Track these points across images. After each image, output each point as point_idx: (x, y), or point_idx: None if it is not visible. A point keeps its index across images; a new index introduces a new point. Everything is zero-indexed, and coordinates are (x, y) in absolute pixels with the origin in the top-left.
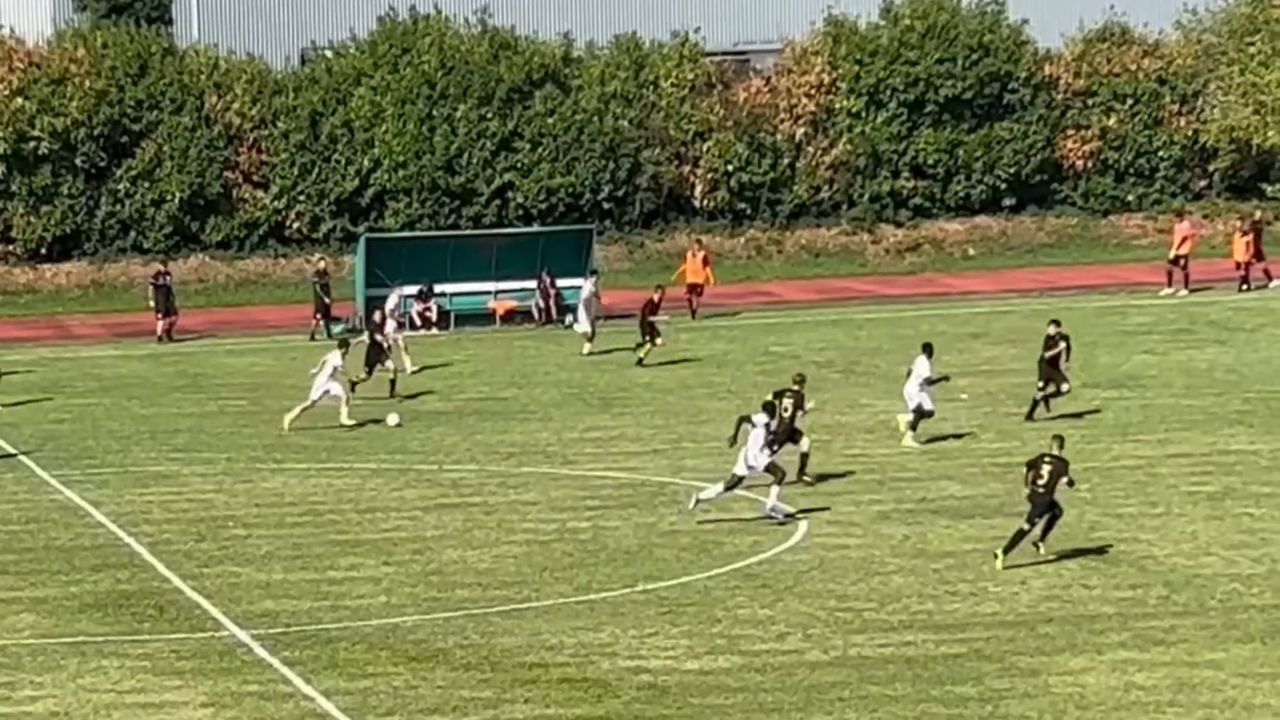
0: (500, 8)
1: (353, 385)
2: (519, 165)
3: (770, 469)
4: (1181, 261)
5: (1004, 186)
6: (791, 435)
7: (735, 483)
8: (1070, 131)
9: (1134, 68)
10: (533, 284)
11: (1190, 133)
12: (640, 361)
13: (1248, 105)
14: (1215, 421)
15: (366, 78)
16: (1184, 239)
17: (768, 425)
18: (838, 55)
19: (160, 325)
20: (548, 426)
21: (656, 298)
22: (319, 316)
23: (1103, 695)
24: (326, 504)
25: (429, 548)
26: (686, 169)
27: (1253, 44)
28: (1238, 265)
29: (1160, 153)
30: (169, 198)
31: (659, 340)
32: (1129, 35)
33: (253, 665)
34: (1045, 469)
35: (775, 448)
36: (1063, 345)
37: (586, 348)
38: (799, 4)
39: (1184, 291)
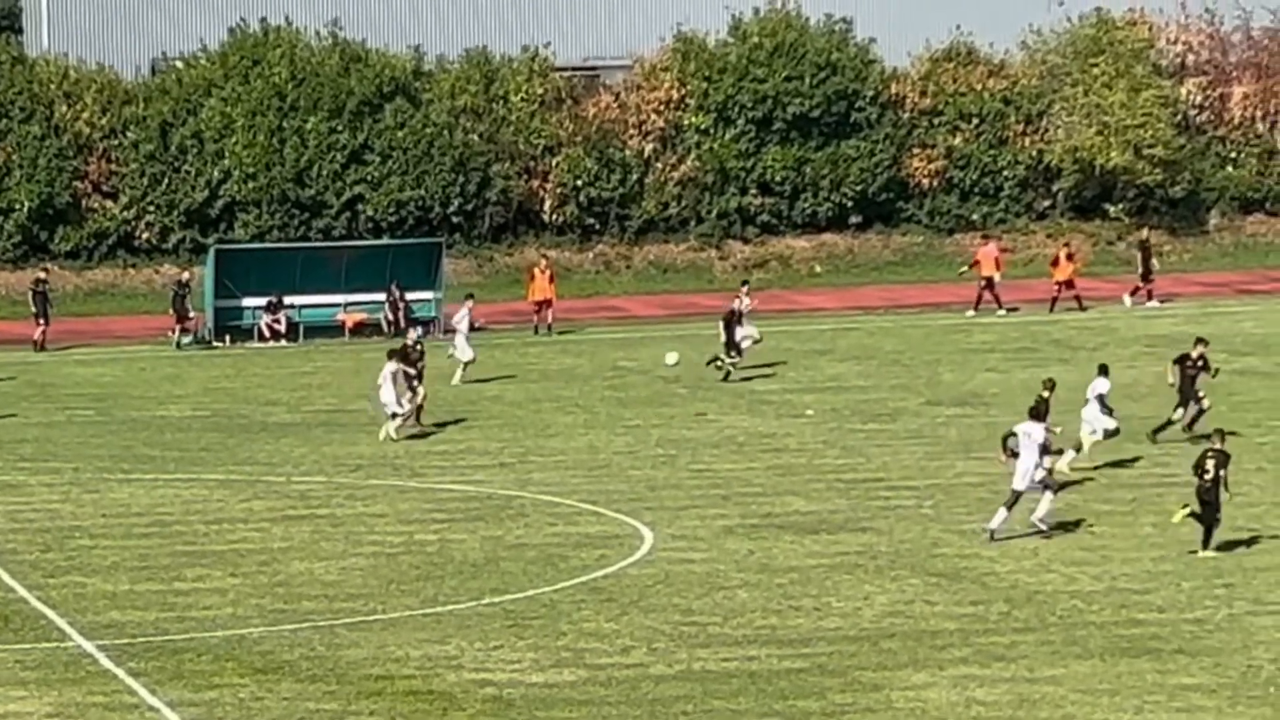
0: (351, 20)
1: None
2: (369, 178)
3: (1046, 482)
4: (989, 283)
5: (850, 204)
6: None
7: (1014, 500)
8: (916, 150)
9: (979, 87)
10: (382, 296)
11: (1035, 153)
12: (727, 376)
13: (1091, 126)
14: (1059, 438)
15: (217, 89)
16: (993, 261)
17: (1047, 431)
18: (687, 72)
19: (39, 333)
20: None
21: (739, 307)
22: (178, 326)
23: (944, 710)
24: (174, 515)
25: (276, 559)
26: (536, 183)
27: (1096, 65)
28: (1059, 286)
29: (1005, 172)
30: (17, 207)
31: (734, 356)
32: (975, 55)
33: (98, 676)
34: (1210, 463)
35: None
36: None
37: (459, 376)
38: (648, 20)
39: (971, 311)
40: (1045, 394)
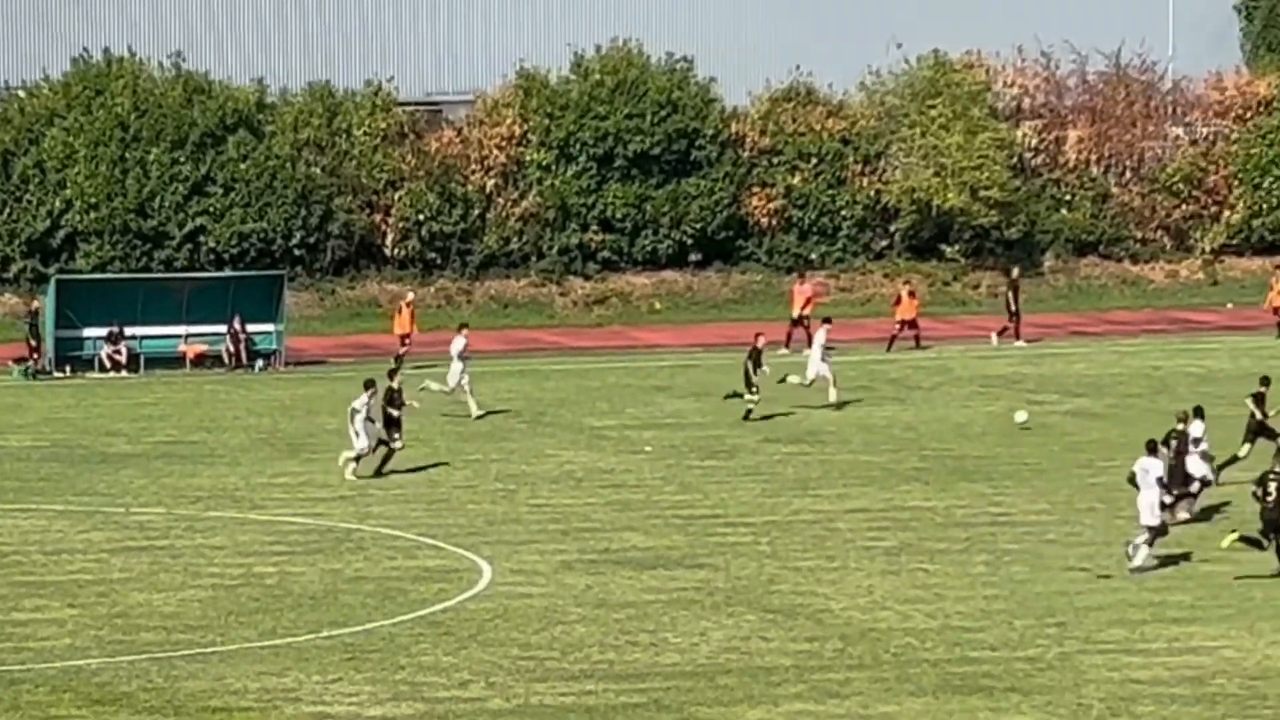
0: (194, 52)
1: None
2: (211, 210)
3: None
4: (804, 322)
5: (690, 242)
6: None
7: (1160, 532)
8: (756, 189)
9: (819, 128)
10: (223, 329)
11: (873, 193)
12: (748, 415)
13: (929, 167)
14: (892, 478)
15: (59, 118)
16: (806, 300)
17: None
18: (529, 108)
19: None
20: (236, 471)
21: (760, 344)
22: (34, 356)
23: None
24: (12, 545)
25: (114, 590)
26: (378, 217)
27: (934, 107)
28: (902, 325)
29: (843, 212)
30: None
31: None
32: (814, 95)
33: None
34: (1273, 485)
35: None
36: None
37: (473, 408)
38: (491, 56)
39: (792, 349)
40: (1179, 426)
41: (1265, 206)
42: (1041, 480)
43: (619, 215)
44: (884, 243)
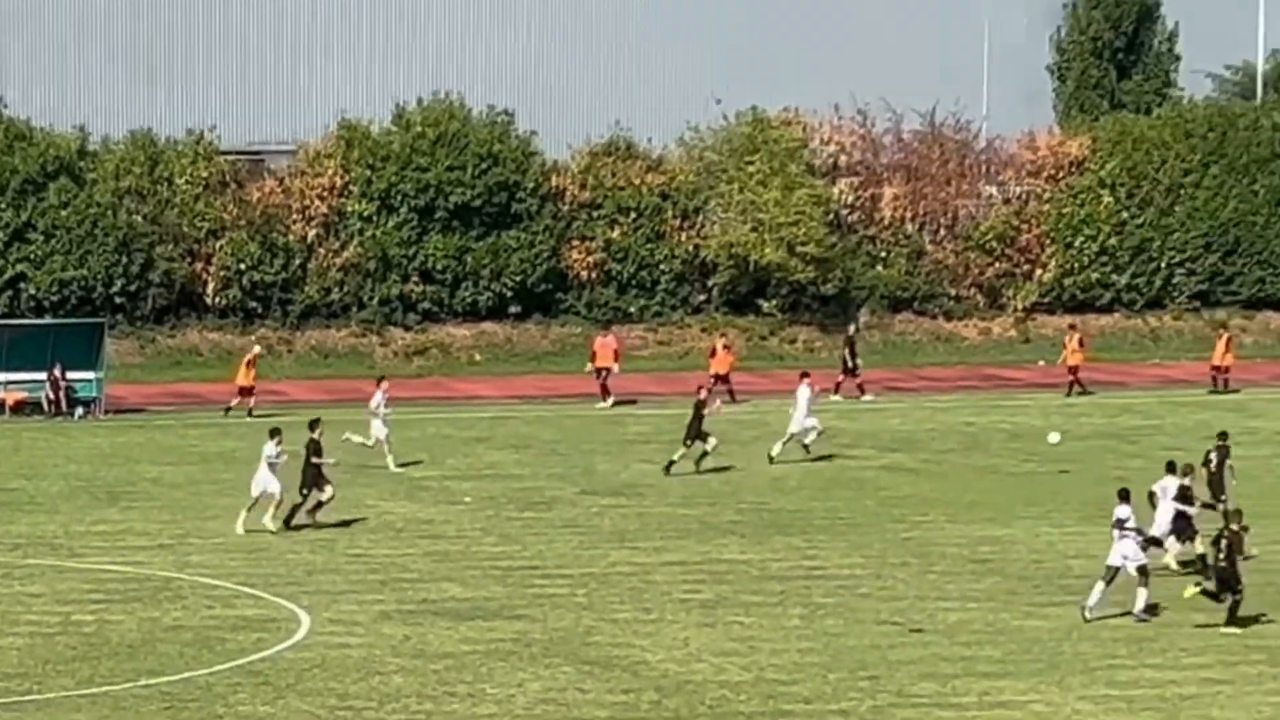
0: (15, 98)
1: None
2: (32, 257)
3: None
4: (604, 374)
5: (510, 294)
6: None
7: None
8: (576, 242)
9: (638, 182)
10: (43, 376)
11: (691, 247)
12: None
13: (746, 222)
14: (709, 530)
15: None
16: (609, 352)
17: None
18: (350, 159)
19: None
20: (55, 519)
21: (703, 395)
22: None
23: None
24: None
25: None
26: (199, 266)
27: (752, 163)
28: (715, 379)
29: (662, 266)
30: None
31: (711, 442)
32: (634, 150)
33: None
34: (1223, 543)
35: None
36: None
37: (390, 460)
38: (313, 107)
39: (606, 402)
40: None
41: (1076, 265)
42: (855, 534)
43: (439, 267)
44: (702, 297)
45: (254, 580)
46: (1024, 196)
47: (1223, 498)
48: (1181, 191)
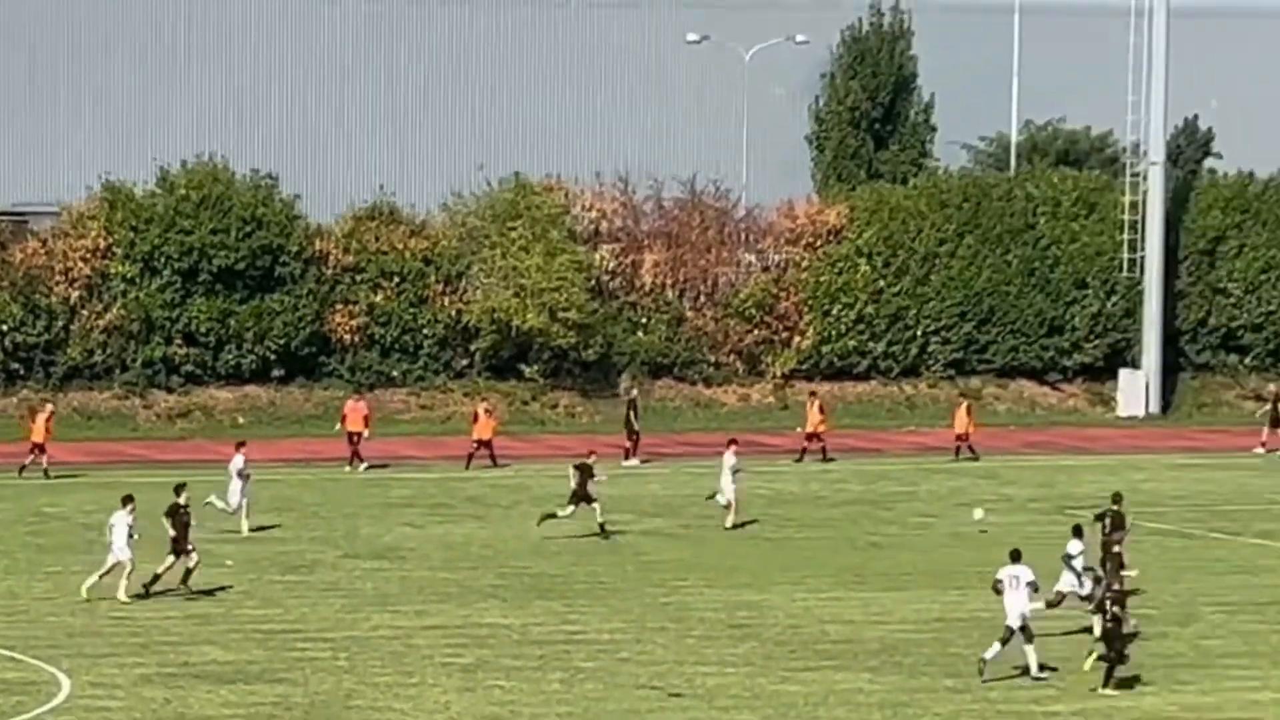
0: None
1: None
2: None
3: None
4: (356, 439)
5: (274, 357)
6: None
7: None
8: (339, 306)
9: (401, 246)
10: None
11: (454, 312)
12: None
13: (509, 288)
14: (470, 594)
15: None
16: (360, 417)
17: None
18: (114, 221)
19: None
20: None
21: (592, 459)
22: None
23: None
24: None
25: None
26: None
27: (514, 229)
28: (478, 444)
29: (425, 330)
30: None
31: (595, 505)
32: (397, 215)
33: None
34: (1108, 603)
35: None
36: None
37: (245, 525)
38: (77, 168)
39: (359, 466)
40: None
41: (834, 333)
42: (616, 599)
43: (203, 329)
44: (464, 361)
45: (13, 643)
46: (782, 264)
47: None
48: (937, 261)
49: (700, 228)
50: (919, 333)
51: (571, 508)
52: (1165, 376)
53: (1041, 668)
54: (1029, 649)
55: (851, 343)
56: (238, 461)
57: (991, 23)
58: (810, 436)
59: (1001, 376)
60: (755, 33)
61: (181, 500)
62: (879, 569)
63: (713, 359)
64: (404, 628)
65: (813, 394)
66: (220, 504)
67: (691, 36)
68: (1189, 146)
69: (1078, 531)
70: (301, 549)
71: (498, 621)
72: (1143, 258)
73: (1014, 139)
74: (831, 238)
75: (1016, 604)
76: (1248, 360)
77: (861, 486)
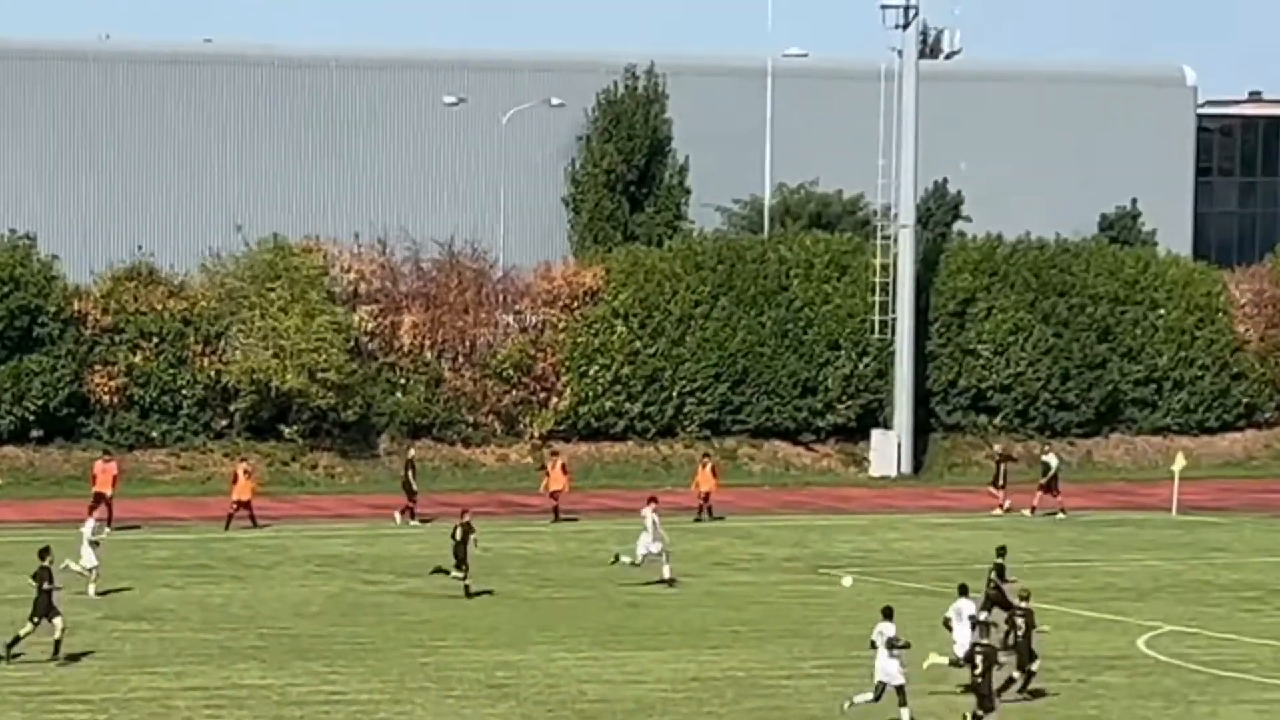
0: None
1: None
2: None
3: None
4: (104, 499)
5: (32, 418)
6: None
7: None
8: (98, 366)
9: (160, 307)
10: None
11: (214, 373)
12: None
13: (268, 348)
14: (230, 655)
15: None
16: (108, 479)
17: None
18: None
19: None
20: None
21: (467, 520)
22: None
23: None
24: None
25: None
26: None
27: (273, 289)
28: (238, 504)
29: (184, 391)
30: None
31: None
32: (156, 275)
33: None
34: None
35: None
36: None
37: (92, 589)
38: None
39: (103, 531)
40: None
41: (591, 394)
42: (375, 659)
43: None
44: (224, 422)
45: None
46: (540, 325)
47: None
48: (692, 322)
49: (458, 289)
50: (675, 393)
51: (464, 571)
52: (917, 437)
53: None
54: (904, 711)
55: (608, 403)
56: (89, 526)
57: (745, 86)
58: (553, 494)
59: (756, 437)
60: (512, 96)
61: (46, 563)
62: (636, 628)
63: (471, 419)
64: (163, 689)
65: (554, 453)
66: (76, 567)
67: (449, 99)
68: (939, 209)
69: (964, 590)
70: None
71: (257, 683)
72: (894, 319)
73: (767, 201)
74: (588, 299)
75: (890, 664)
76: (997, 421)
77: (619, 546)
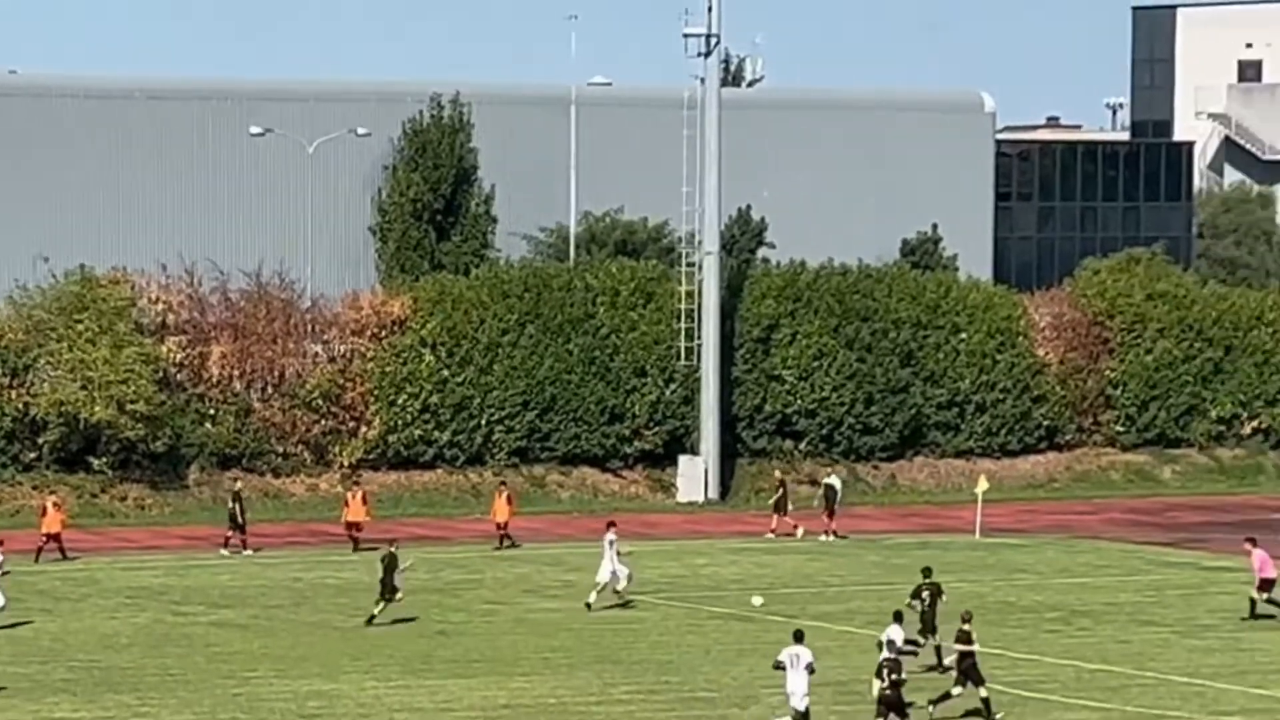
0: None
1: None
2: None
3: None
4: None
5: None
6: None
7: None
8: None
9: None
10: None
11: (21, 405)
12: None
13: (76, 380)
14: (40, 689)
15: None
16: None
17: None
18: None
19: None
20: None
21: (393, 549)
22: None
23: None
24: None
25: None
26: None
27: (81, 321)
28: (47, 538)
29: None
30: None
31: (399, 596)
32: None
33: None
34: (885, 670)
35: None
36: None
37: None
38: None
39: None
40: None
41: (400, 422)
42: (186, 690)
43: None
44: (33, 454)
45: None
46: (348, 355)
47: (932, 634)
48: (499, 350)
49: (267, 319)
50: (483, 421)
51: (383, 604)
52: (723, 462)
53: None
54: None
55: (417, 432)
56: None
57: (549, 115)
58: (350, 525)
59: (565, 464)
60: (318, 125)
61: None
62: (447, 656)
63: (281, 449)
64: (43, 717)
65: (355, 483)
66: None
67: (255, 129)
68: (743, 236)
69: (898, 617)
70: None
71: (69, 716)
72: (699, 346)
73: (573, 229)
74: (396, 328)
75: (799, 686)
76: (802, 445)
77: (428, 575)
